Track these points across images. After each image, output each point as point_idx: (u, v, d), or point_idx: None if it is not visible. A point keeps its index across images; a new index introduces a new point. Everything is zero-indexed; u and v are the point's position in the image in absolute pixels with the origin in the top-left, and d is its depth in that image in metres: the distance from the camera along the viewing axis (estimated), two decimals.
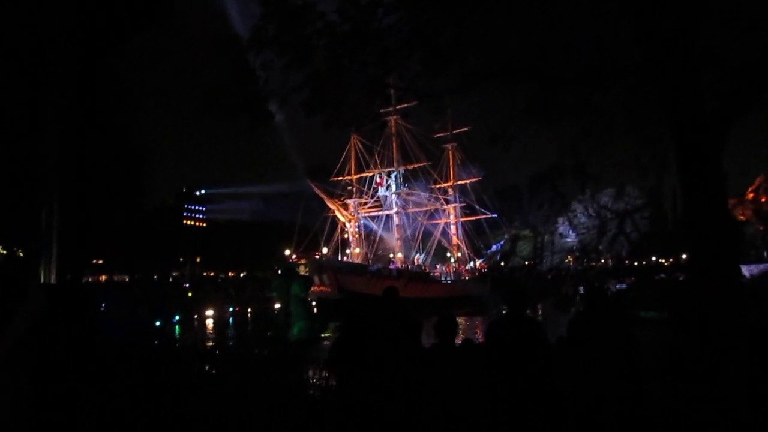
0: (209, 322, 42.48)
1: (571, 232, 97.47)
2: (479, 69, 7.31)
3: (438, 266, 66.51)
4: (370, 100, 7.77)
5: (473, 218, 69.58)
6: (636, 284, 47.83)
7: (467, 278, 63.96)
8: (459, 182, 69.96)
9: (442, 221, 67.03)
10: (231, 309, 46.67)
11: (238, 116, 8.00)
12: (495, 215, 69.94)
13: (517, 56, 7.18)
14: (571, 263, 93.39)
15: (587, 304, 6.24)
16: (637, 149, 8.52)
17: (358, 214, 59.37)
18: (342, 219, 57.49)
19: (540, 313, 45.85)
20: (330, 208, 57.00)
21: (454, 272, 64.84)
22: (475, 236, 70.17)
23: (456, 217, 69.56)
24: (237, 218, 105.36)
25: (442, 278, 62.09)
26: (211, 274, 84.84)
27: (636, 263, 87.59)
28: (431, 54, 7.11)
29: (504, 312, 6.42)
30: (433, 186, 64.41)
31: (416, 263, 60.77)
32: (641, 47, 6.88)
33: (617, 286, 47.27)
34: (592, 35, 7.08)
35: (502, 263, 79.40)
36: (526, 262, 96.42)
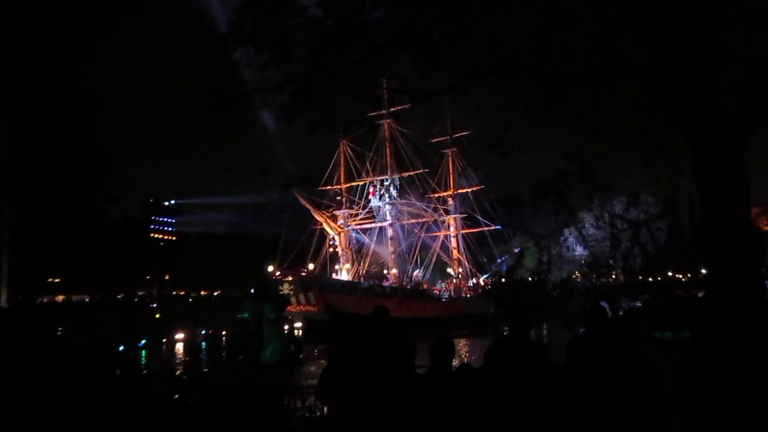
0: (179, 347, 42.19)
1: (578, 244, 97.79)
2: (476, 67, 7.33)
3: (439, 283, 66.53)
4: (357, 102, 7.78)
5: (475, 230, 69.66)
6: (651, 302, 47.97)
7: (469, 296, 64.21)
8: (459, 191, 69.71)
9: (441, 233, 66.42)
10: (204, 332, 46.35)
11: (214, 119, 7.97)
12: (498, 227, 70.52)
13: (518, 54, 7.21)
14: (578, 279, 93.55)
15: (588, 324, 6.19)
16: (649, 154, 8.56)
17: (348, 226, 59.38)
18: (330, 232, 57.45)
19: (545, 334, 45.92)
20: (317, 221, 57.03)
21: (454, 289, 65.22)
22: (478, 250, 70.20)
23: (456, 228, 69.60)
24: (210, 231, 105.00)
25: (442, 296, 62.19)
26: (182, 293, 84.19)
27: (650, 279, 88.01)
28: (423, 50, 7.11)
29: (504, 333, 6.40)
30: (431, 195, 63.90)
31: (415, 280, 60.82)
32: (652, 43, 6.90)
33: (630, 304, 47.41)
34: (598, 31, 7.11)
35: (504, 279, 78.97)
36: (530, 278, 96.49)
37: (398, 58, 7.46)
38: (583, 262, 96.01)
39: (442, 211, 67.14)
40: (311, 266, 54.04)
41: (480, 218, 68.37)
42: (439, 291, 64.55)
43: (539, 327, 49.77)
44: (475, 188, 69.30)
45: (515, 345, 5.89)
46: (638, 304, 47.88)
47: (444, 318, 53.13)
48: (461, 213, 70.28)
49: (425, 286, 62.29)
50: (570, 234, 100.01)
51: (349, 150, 59.69)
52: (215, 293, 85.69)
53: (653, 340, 27.92)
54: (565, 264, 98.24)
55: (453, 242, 69.69)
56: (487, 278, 70.76)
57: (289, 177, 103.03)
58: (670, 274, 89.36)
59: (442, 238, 67.14)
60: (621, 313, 40.72)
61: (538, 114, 8.02)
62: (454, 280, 67.94)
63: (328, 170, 60.14)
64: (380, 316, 6.81)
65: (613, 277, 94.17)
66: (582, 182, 9.48)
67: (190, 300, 77.31)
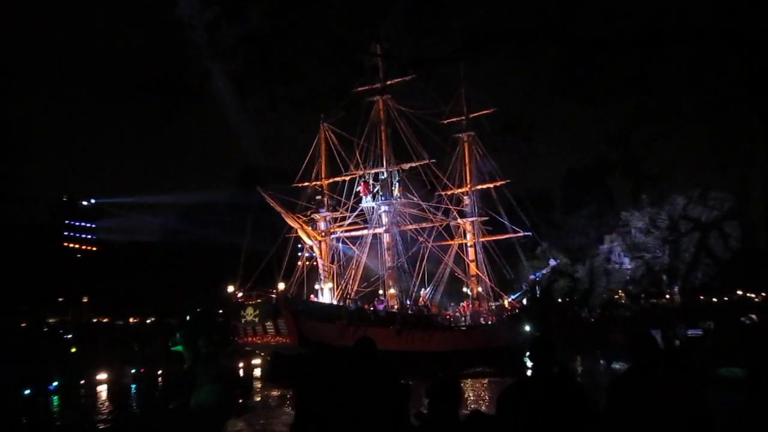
0: (102, 390, 41.96)
1: (623, 254, 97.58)
2: (485, 28, 7.33)
3: (452, 306, 65.75)
4: (333, 71, 7.75)
5: (499, 237, 69.51)
6: (715, 329, 48.27)
7: (490, 322, 63.77)
8: (478, 187, 70.06)
9: (454, 242, 66.43)
10: (134, 371, 46.11)
11: (148, 95, 7.93)
12: (529, 233, 69.78)
13: (542, 11, 7.22)
14: (623, 300, 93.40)
15: (633, 359, 6.24)
16: (713, 138, 8.58)
17: (334, 234, 58.76)
18: (308, 241, 56.80)
19: (578, 372, 46.03)
20: (291, 227, 56.26)
21: (471, 314, 64.82)
22: (503, 263, 69.47)
23: (474, 236, 69.58)
24: (142, 239, 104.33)
25: (456, 323, 61.64)
26: (105, 320, 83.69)
27: (715, 299, 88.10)
28: (416, 5, 7.11)
29: (530, 372, 6.39)
30: (441, 193, 64.00)
31: (423, 302, 60.11)
32: None
33: (688, 332, 47.71)
34: None
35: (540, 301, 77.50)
36: (559, 299, 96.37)
37: (385, 16, 7.46)
38: (628, 277, 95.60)
39: (455, 213, 66.54)
40: (282, 286, 53.62)
41: (506, 222, 67.92)
42: (452, 316, 64.04)
43: (571, 363, 49.86)
44: (498, 183, 68.90)
45: (541, 386, 5.94)
46: (699, 332, 48.21)
47: (457, 351, 53.05)
48: (481, 215, 70.22)
49: (434, 310, 61.70)
50: (613, 242, 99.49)
51: (332, 136, 58.91)
52: (148, 320, 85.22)
53: (718, 378, 28.13)
54: (605, 280, 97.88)
55: (470, 253, 69.62)
56: (515, 299, 69.61)
57: (248, 170, 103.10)
58: (739, 292, 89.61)
59: (455, 248, 66.53)
60: (677, 343, 41.02)
61: (567, 89, 8.03)
62: (472, 302, 67.26)
63: (305, 162, 59.14)
64: (364, 351, 6.85)
65: (667, 297, 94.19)
66: (627, 175, 9.51)
67: (116, 329, 76.68)
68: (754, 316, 58.09)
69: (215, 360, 9.30)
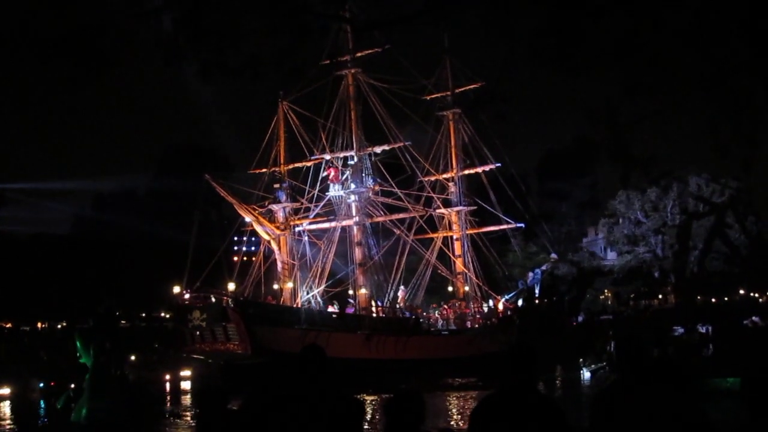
0: (4, 407, 41.70)
1: (611, 250, 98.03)
2: None
3: (433, 309, 65.41)
4: (274, 34, 7.48)
5: (489, 229, 70.21)
6: (714, 334, 48.77)
7: (477, 326, 63.49)
8: (465, 172, 69.92)
9: (437, 235, 66.65)
10: (42, 384, 45.59)
11: (56, 60, 7.66)
12: (522, 224, 69.76)
13: None
14: (609, 300, 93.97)
15: (620, 367, 6.23)
16: (712, 114, 8.47)
17: (298, 226, 58.27)
18: (265, 236, 56.38)
19: (558, 383, 46.24)
20: (245, 220, 55.87)
21: (456, 318, 64.70)
22: (496, 259, 70.10)
23: (461, 228, 69.59)
24: (50, 231, 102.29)
25: (439, 326, 61.59)
26: (7, 325, 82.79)
27: (714, 299, 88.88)
28: None
29: (503, 385, 6.31)
30: (422, 179, 63.59)
31: (401, 303, 59.59)
32: None
33: (685, 336, 48.13)
34: None
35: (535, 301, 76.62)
36: (536, 301, 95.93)
37: None
38: (616, 275, 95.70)
39: (438, 202, 66.18)
40: (232, 286, 53.27)
41: (499, 213, 67.24)
42: (434, 320, 63.77)
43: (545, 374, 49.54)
44: (488, 168, 68.42)
45: (513, 401, 5.86)
46: (696, 336, 48.65)
47: (438, 360, 52.94)
48: (468, 205, 70.09)
49: (419, 312, 61.42)
50: (598, 234, 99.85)
51: (292, 116, 58.38)
52: (60, 326, 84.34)
53: (717, 390, 28.32)
54: (590, 279, 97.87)
55: (456, 248, 69.17)
56: (509, 301, 68.56)
57: (176, 152, 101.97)
58: (742, 292, 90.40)
59: (439, 242, 66.36)
60: (670, 350, 41.31)
61: (546, 56, 7.84)
62: (457, 304, 66.83)
63: (263, 145, 58.60)
64: (311, 361, 6.83)
65: (660, 297, 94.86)
66: (615, 156, 9.37)
67: (21, 336, 75.80)
68: (757, 319, 58.73)
69: (99, 372, 9.22)
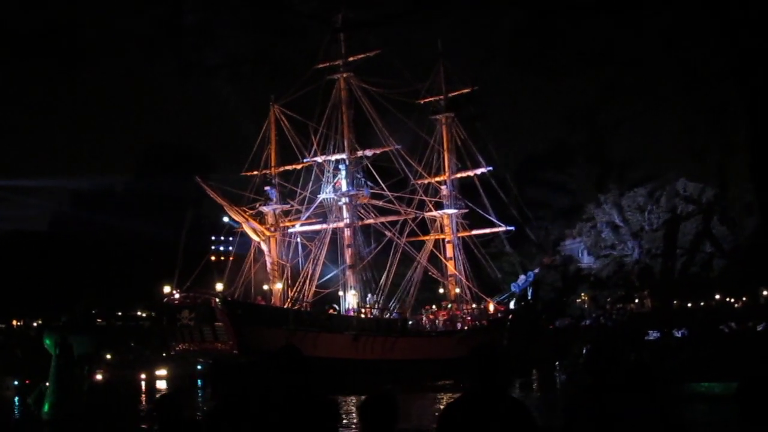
0: None
1: (586, 253, 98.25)
2: None
3: (424, 311, 65.39)
4: (253, 32, 7.40)
5: (480, 232, 70.56)
6: (690, 339, 49.08)
7: (467, 328, 64.18)
8: (458, 175, 70.35)
9: (429, 238, 67.38)
10: (16, 383, 45.21)
11: (36, 53, 7.54)
12: (513, 227, 70.12)
13: None
14: (586, 304, 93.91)
15: (592, 371, 6.22)
16: (690, 117, 8.51)
17: (291, 228, 58.53)
18: (255, 237, 56.53)
19: (534, 387, 46.37)
20: (235, 222, 56.08)
21: (447, 320, 65.28)
22: (488, 262, 70.73)
23: (453, 231, 70.02)
24: (26, 228, 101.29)
25: (428, 328, 62.90)
26: None
27: (690, 304, 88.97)
28: None
29: (470, 388, 6.28)
30: (415, 182, 64.04)
31: (392, 306, 59.73)
32: None
33: (659, 339, 48.46)
34: None
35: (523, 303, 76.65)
36: (529, 302, 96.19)
37: None
38: (592, 278, 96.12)
39: (430, 205, 66.80)
40: (219, 286, 53.32)
41: (492, 217, 67.43)
42: (425, 322, 64.15)
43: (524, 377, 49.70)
44: (479, 171, 68.60)
45: (482, 404, 5.77)
46: (673, 341, 48.99)
47: (427, 361, 53.25)
48: (460, 208, 70.25)
49: (406, 314, 61.45)
50: (576, 239, 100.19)
51: (284, 119, 58.61)
52: (35, 323, 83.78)
53: (693, 394, 28.49)
54: (572, 282, 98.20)
55: (448, 250, 69.74)
56: (501, 303, 69.25)
57: (157, 151, 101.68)
58: (717, 297, 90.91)
59: (431, 244, 66.62)
60: (646, 354, 41.49)
61: (526, 57, 7.86)
62: (450, 305, 67.08)
63: (254, 148, 58.76)
64: (286, 361, 6.64)
65: (636, 301, 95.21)
66: (591, 160, 9.35)
67: None
68: (733, 324, 59.22)
69: (63, 369, 9.29)
